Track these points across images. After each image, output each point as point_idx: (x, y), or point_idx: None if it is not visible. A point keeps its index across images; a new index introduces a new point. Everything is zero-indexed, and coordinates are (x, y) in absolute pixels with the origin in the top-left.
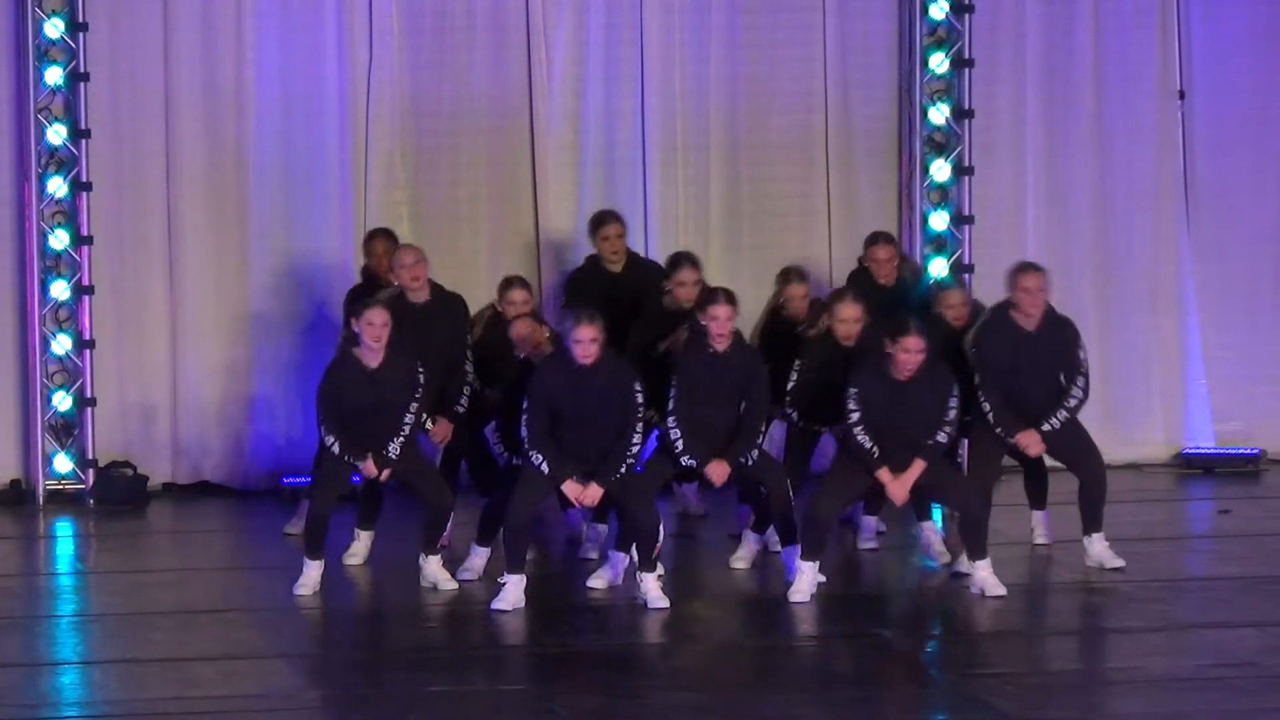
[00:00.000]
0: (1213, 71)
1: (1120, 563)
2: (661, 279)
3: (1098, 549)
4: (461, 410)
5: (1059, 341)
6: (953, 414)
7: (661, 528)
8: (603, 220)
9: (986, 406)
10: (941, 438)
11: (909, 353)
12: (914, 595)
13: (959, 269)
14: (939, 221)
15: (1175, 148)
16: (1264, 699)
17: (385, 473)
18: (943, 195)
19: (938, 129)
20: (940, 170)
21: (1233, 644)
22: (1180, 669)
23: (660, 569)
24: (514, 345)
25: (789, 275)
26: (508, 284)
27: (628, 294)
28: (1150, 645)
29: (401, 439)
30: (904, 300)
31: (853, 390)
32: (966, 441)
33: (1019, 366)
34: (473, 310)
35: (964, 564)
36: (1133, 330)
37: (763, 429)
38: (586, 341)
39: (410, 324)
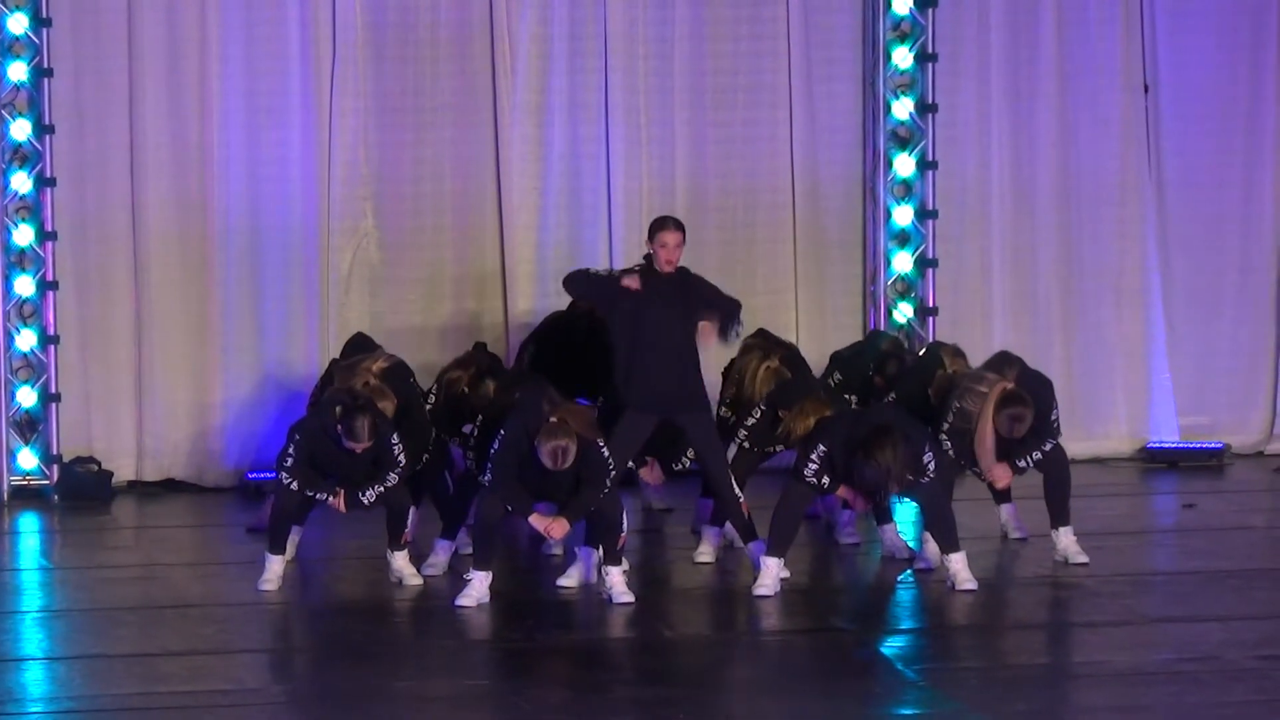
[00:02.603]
0: (1177, 65)
1: (1085, 558)
2: None
3: (1065, 542)
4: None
5: (1035, 404)
6: (930, 464)
7: (625, 519)
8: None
9: (948, 445)
10: (924, 480)
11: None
12: (880, 590)
13: (922, 263)
14: (903, 216)
15: (1140, 142)
16: (1227, 693)
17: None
18: (906, 189)
19: (901, 123)
20: (904, 164)
21: (1196, 638)
22: (1144, 663)
23: (625, 563)
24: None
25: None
26: (477, 348)
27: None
28: (1114, 639)
29: (380, 489)
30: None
31: (821, 448)
32: None
33: None
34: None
35: (931, 559)
36: (1097, 324)
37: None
38: None
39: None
